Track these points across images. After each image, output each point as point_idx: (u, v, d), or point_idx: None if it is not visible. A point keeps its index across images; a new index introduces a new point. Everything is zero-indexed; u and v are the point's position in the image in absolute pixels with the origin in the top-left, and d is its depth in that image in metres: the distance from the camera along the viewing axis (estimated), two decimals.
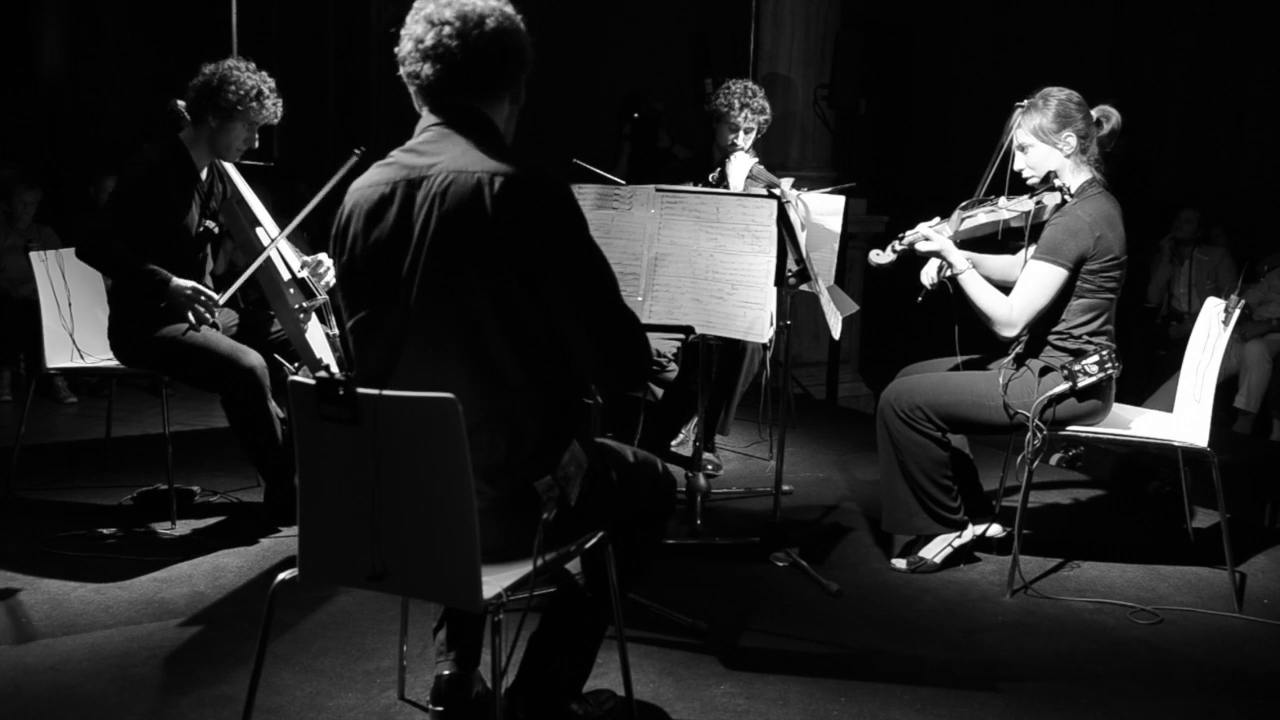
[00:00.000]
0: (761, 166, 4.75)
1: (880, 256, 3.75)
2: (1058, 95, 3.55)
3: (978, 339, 3.78)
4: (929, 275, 3.77)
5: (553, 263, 2.22)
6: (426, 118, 2.33)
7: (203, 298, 3.85)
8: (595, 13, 9.32)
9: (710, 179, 4.75)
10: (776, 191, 3.58)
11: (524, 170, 2.21)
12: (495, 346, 2.23)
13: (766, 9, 6.90)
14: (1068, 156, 3.57)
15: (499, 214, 2.18)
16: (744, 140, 4.67)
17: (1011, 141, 3.61)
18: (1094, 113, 3.59)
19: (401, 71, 2.31)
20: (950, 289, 3.69)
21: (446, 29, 2.24)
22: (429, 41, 2.24)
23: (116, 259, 3.81)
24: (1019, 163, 3.62)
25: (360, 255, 2.30)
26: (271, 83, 3.95)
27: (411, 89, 2.33)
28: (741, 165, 4.65)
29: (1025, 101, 3.60)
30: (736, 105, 4.62)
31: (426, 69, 2.27)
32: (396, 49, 2.31)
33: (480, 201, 2.18)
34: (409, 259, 2.24)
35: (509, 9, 2.31)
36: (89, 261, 3.90)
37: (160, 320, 3.91)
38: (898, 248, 3.70)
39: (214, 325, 3.92)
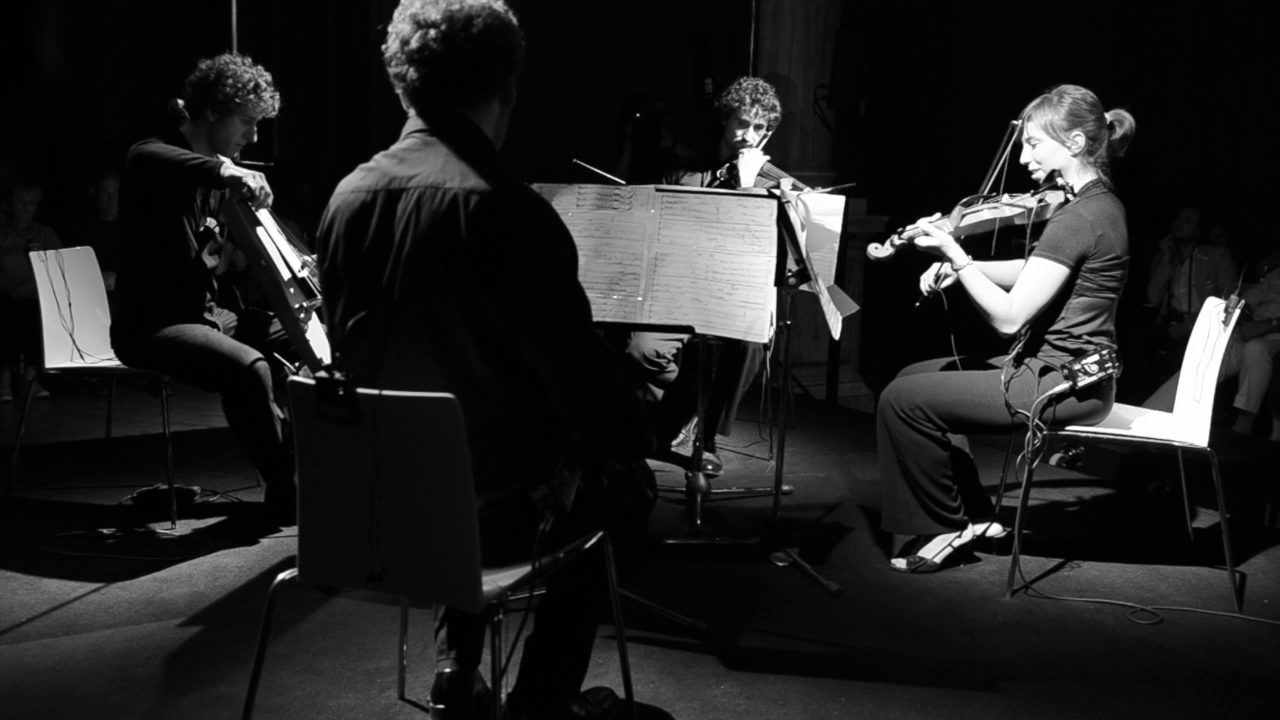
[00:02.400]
0: (772, 164, 4.74)
1: (879, 250, 3.77)
2: (1072, 94, 3.54)
3: (974, 346, 3.80)
4: (926, 282, 3.78)
5: (519, 287, 2.16)
6: (412, 122, 2.30)
7: (252, 179, 3.77)
8: (595, 13, 9.32)
9: (718, 175, 4.75)
10: (776, 191, 3.58)
11: (501, 190, 2.17)
12: (473, 361, 2.21)
13: (766, 9, 6.90)
14: (1074, 156, 3.56)
15: (472, 233, 2.14)
16: (753, 137, 4.66)
17: (1020, 133, 3.62)
18: (1108, 116, 3.59)
19: (389, 71, 2.27)
20: (944, 301, 3.71)
21: (432, 32, 2.19)
22: (414, 44, 2.19)
23: (166, 153, 3.74)
24: (1025, 156, 3.62)
25: (342, 263, 2.28)
26: (268, 76, 3.95)
27: (398, 90, 2.29)
28: (753, 162, 4.65)
29: (1019, 121, 3.61)
30: (748, 101, 4.61)
31: (412, 72, 2.22)
32: (384, 47, 2.26)
33: (455, 219, 2.15)
34: (388, 269, 2.22)
35: (499, 5, 2.26)
36: (142, 166, 3.75)
37: (163, 319, 3.91)
38: (897, 242, 3.71)
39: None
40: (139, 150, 3.76)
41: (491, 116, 2.32)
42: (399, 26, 2.22)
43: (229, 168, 3.75)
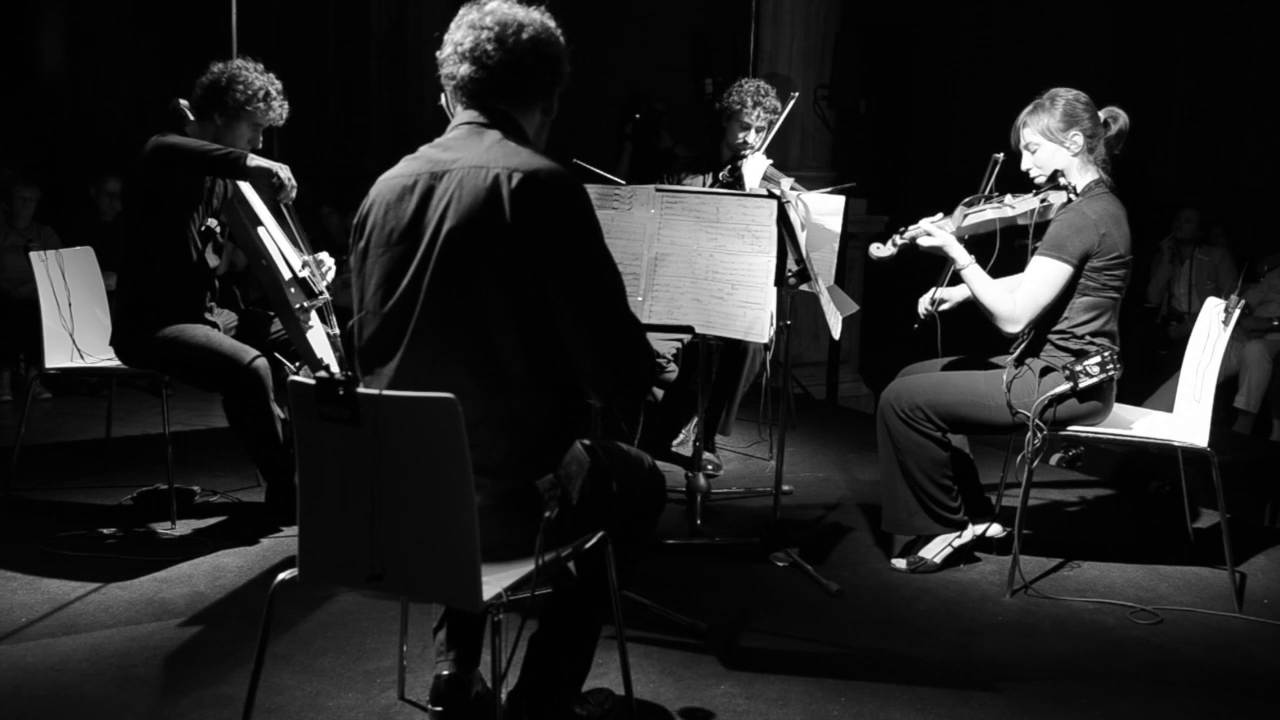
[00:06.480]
0: (776, 168, 4.74)
1: (881, 250, 3.79)
2: (1065, 95, 3.56)
3: (974, 353, 3.81)
4: (924, 305, 3.82)
5: (562, 263, 2.25)
6: (460, 115, 2.41)
7: (282, 170, 3.76)
8: (596, 13, 9.32)
9: (721, 177, 4.74)
10: (776, 191, 3.58)
11: (543, 169, 2.26)
12: (503, 343, 2.26)
13: (766, 9, 6.89)
14: (1074, 155, 3.57)
15: (515, 210, 2.22)
16: (755, 139, 4.66)
17: (1017, 142, 3.63)
18: (1101, 114, 3.60)
19: (440, 74, 2.40)
20: (939, 325, 3.73)
21: (485, 33, 2.33)
22: (467, 44, 2.35)
23: (188, 144, 3.75)
24: (1025, 163, 3.64)
25: (375, 244, 2.35)
26: (279, 84, 3.94)
27: (448, 89, 2.41)
28: (756, 166, 4.64)
29: (1000, 155, 3.65)
30: (750, 103, 4.61)
31: (463, 69, 2.35)
32: (438, 53, 2.39)
33: (498, 197, 2.23)
34: (421, 250, 2.28)
35: (550, 23, 2.41)
36: (163, 156, 3.73)
37: (163, 319, 3.91)
38: (899, 241, 3.73)
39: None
40: (159, 141, 3.75)
41: (533, 123, 2.44)
42: (454, 34, 2.37)
43: (254, 159, 3.73)
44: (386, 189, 2.36)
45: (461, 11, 2.39)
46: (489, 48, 2.33)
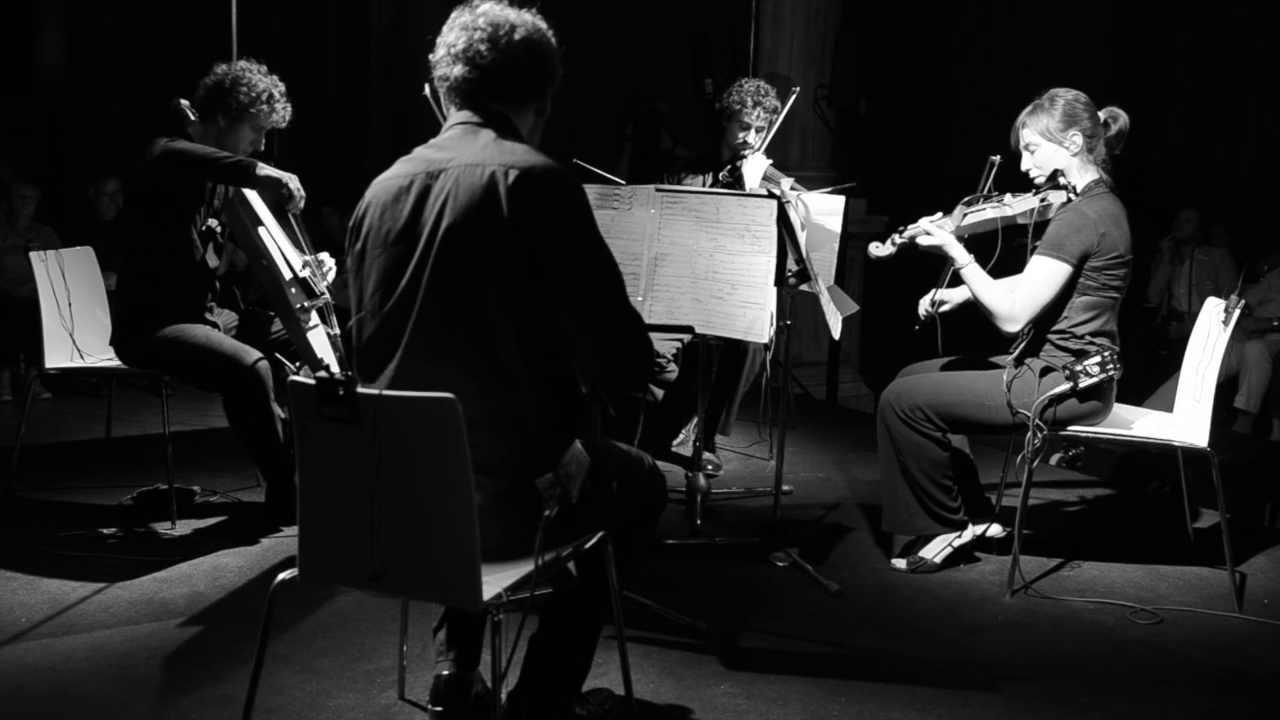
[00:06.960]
0: (776, 169, 4.74)
1: (880, 249, 3.79)
2: (1064, 96, 3.56)
3: (975, 353, 3.81)
4: (924, 307, 3.82)
5: (561, 258, 2.26)
6: (454, 115, 2.41)
7: (291, 180, 3.76)
8: (595, 13, 9.32)
9: (721, 177, 4.75)
10: (776, 191, 3.58)
11: (539, 165, 2.27)
12: (502, 342, 2.26)
13: (766, 9, 6.89)
14: (1074, 155, 3.57)
15: (513, 207, 2.23)
16: (755, 139, 4.67)
17: (1016, 143, 3.63)
18: (1101, 114, 3.60)
19: (434, 76, 2.40)
20: (939, 326, 3.74)
21: (478, 34, 2.34)
22: (460, 45, 2.35)
23: (198, 151, 3.75)
24: (1025, 163, 3.64)
25: (371, 245, 2.35)
26: (282, 87, 3.94)
27: (441, 91, 2.41)
28: (756, 166, 4.64)
29: (997, 157, 3.66)
30: (749, 103, 4.62)
31: (457, 70, 2.35)
32: (431, 55, 2.40)
33: (494, 194, 2.23)
34: (419, 250, 2.29)
35: (541, 24, 2.41)
36: (171, 161, 3.73)
37: (164, 319, 3.91)
38: (898, 241, 3.73)
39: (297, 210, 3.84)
40: (169, 147, 3.74)
41: (527, 124, 2.44)
42: (446, 35, 2.38)
43: (264, 168, 3.73)
44: (382, 190, 2.36)
45: (454, 14, 2.39)
46: (482, 48, 2.34)
